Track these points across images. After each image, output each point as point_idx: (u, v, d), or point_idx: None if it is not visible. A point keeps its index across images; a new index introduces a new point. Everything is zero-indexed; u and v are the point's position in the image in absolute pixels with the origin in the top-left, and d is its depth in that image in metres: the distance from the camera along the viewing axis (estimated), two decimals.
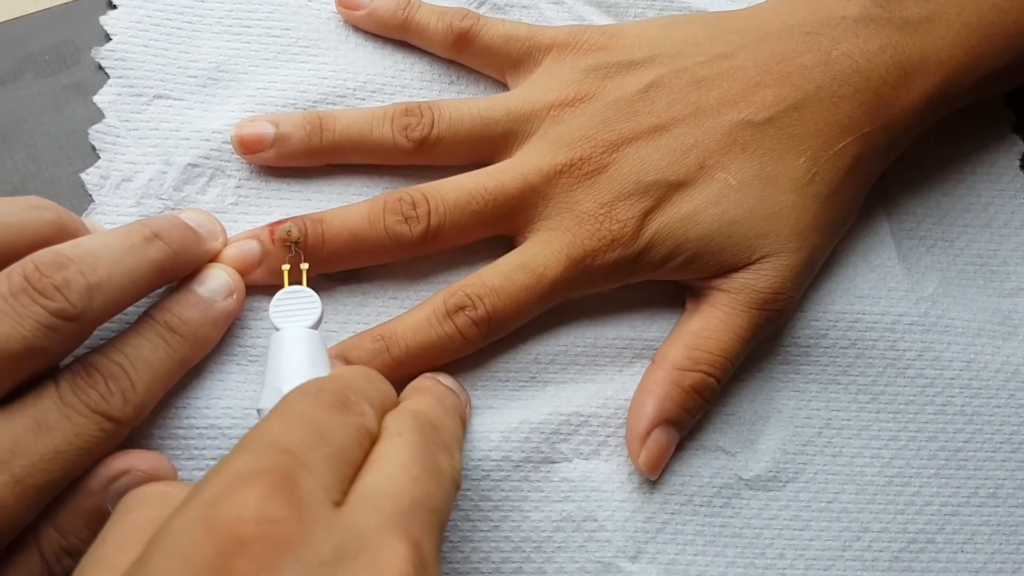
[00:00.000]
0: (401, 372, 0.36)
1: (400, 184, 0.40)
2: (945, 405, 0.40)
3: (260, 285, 0.37)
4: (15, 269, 0.29)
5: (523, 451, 0.37)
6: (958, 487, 0.39)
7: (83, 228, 0.34)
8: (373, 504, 0.24)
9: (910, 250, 0.42)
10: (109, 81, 0.40)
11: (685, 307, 0.39)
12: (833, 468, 0.39)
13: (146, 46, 0.41)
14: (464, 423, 0.35)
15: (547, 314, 0.38)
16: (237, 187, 0.39)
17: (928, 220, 0.43)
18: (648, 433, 0.36)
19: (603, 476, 0.37)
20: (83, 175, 0.38)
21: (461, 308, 0.36)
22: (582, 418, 0.38)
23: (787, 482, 0.39)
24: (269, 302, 0.35)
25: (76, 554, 0.30)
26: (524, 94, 0.39)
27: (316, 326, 0.34)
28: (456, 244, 0.38)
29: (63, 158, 0.39)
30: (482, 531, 0.36)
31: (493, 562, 0.36)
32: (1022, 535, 0.39)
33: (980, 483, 0.39)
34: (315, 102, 0.40)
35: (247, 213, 0.39)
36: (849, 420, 0.40)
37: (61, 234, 0.32)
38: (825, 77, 0.38)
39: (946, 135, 0.44)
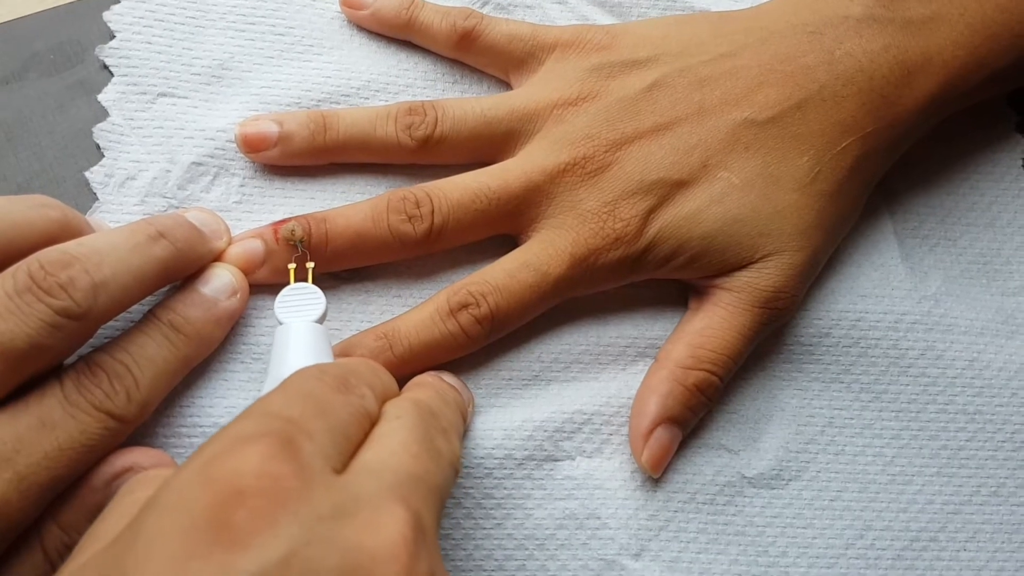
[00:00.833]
0: (404, 370, 0.36)
1: (404, 183, 0.40)
2: (947, 404, 0.40)
3: (264, 284, 0.37)
4: (20, 267, 0.29)
5: (526, 449, 0.37)
6: (960, 486, 0.39)
7: (88, 227, 0.34)
8: (373, 474, 0.25)
9: (913, 249, 0.42)
10: (113, 79, 0.40)
11: (688, 306, 0.40)
12: (836, 466, 0.39)
13: (150, 43, 0.41)
14: (465, 418, 0.35)
15: (550, 312, 0.38)
16: (241, 186, 0.39)
17: (931, 219, 0.43)
18: (651, 431, 0.37)
19: (606, 474, 0.38)
20: (87, 173, 0.38)
21: (464, 306, 0.36)
22: (585, 416, 0.38)
23: (790, 480, 0.39)
24: (273, 301, 0.35)
25: None
26: (527, 93, 0.40)
27: (320, 321, 0.35)
28: (459, 243, 0.38)
29: (68, 157, 0.39)
30: (485, 528, 0.36)
31: (496, 559, 0.36)
32: None
33: (982, 482, 0.40)
34: (319, 101, 0.40)
35: (251, 212, 0.39)
36: (852, 419, 0.40)
37: (66, 232, 0.32)
38: (828, 77, 0.38)
39: (949, 135, 0.44)
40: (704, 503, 0.38)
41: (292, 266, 0.36)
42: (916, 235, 0.43)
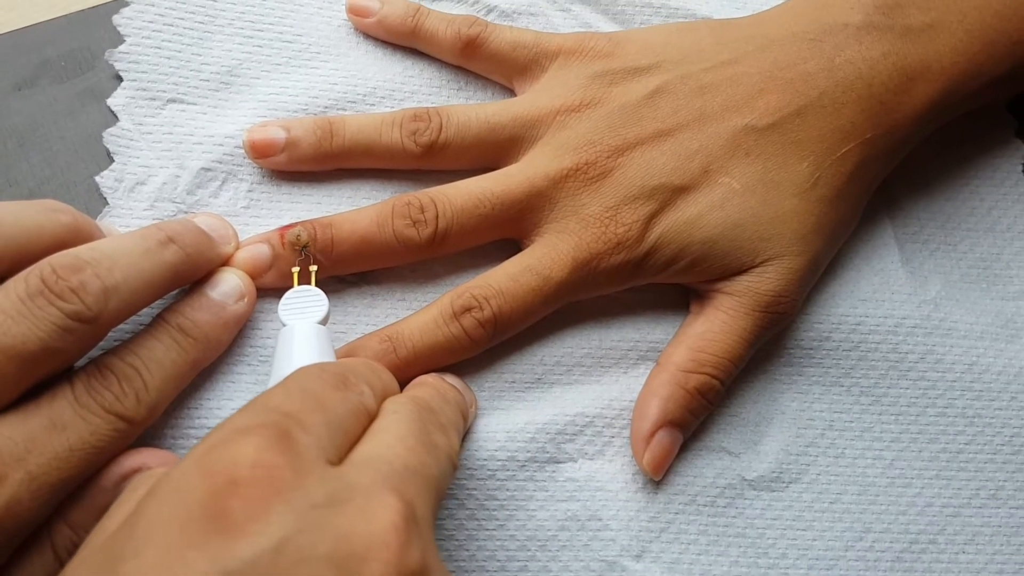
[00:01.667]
0: (408, 372, 0.36)
1: (408, 188, 0.40)
2: (947, 407, 0.40)
3: (271, 288, 0.37)
4: (32, 271, 0.29)
5: (528, 451, 0.38)
6: (959, 489, 0.40)
7: (98, 231, 0.34)
8: (368, 465, 0.25)
9: (913, 254, 0.43)
10: (123, 84, 0.41)
11: (689, 310, 0.40)
12: (836, 469, 0.39)
13: (159, 48, 0.41)
14: (466, 418, 0.35)
15: (553, 316, 0.39)
16: (249, 191, 0.39)
17: (931, 224, 0.43)
18: (652, 434, 0.37)
19: (608, 476, 0.38)
20: (98, 178, 0.39)
21: (468, 309, 0.36)
22: (587, 419, 0.38)
23: (790, 483, 0.39)
24: (278, 304, 0.36)
25: None
26: (531, 100, 0.40)
27: (323, 322, 0.35)
28: (463, 247, 0.39)
29: (78, 162, 0.40)
30: (488, 529, 0.37)
31: (499, 560, 0.37)
32: (1023, 537, 0.39)
33: (981, 485, 0.40)
34: (326, 108, 0.41)
35: (259, 217, 0.39)
36: (852, 422, 0.40)
37: (77, 237, 0.33)
38: (828, 83, 0.38)
39: (949, 140, 0.44)
40: (705, 505, 0.38)
41: (296, 269, 0.36)
42: (916, 240, 0.43)
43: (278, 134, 0.39)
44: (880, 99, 0.38)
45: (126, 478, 0.31)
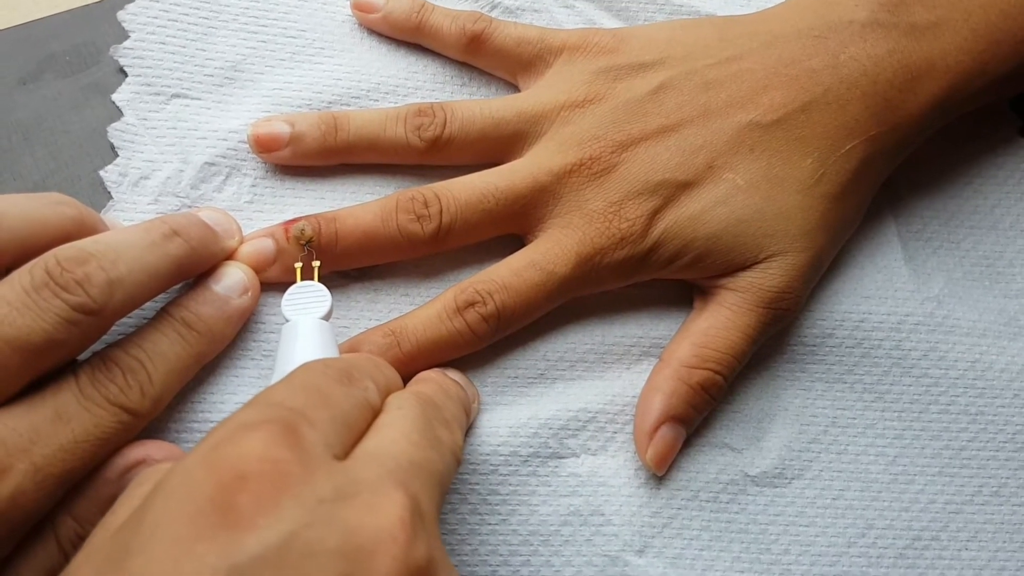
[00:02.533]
0: (411, 367, 0.36)
1: (412, 183, 0.40)
2: (950, 404, 0.40)
3: (275, 282, 0.37)
4: (37, 264, 0.29)
5: (531, 446, 0.38)
6: (962, 486, 0.40)
7: (103, 224, 0.34)
8: (374, 460, 0.25)
9: (916, 251, 0.43)
10: (127, 79, 0.41)
11: (693, 306, 0.40)
12: (838, 465, 0.39)
13: (163, 43, 0.41)
14: (468, 413, 0.35)
15: (556, 312, 0.39)
16: (253, 186, 0.39)
17: (935, 222, 0.44)
18: (656, 429, 0.37)
19: (610, 471, 0.38)
20: (102, 173, 0.39)
21: (471, 304, 0.36)
22: (590, 414, 0.38)
23: (792, 479, 0.39)
24: (282, 300, 0.36)
25: None
26: (535, 95, 0.40)
27: (326, 318, 0.35)
28: (467, 242, 0.39)
29: (83, 156, 0.40)
30: (490, 524, 0.37)
31: (501, 555, 0.37)
32: None
33: (983, 482, 0.40)
34: (330, 103, 0.41)
35: (262, 211, 0.39)
36: (854, 418, 0.40)
37: (81, 230, 0.33)
38: (833, 80, 0.38)
39: (953, 138, 0.44)
40: (707, 501, 0.38)
41: (298, 264, 0.36)
42: (920, 237, 0.43)
43: (282, 128, 0.39)
44: (885, 96, 0.38)
45: (130, 470, 0.31)
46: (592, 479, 0.38)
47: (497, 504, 0.37)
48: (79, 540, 0.30)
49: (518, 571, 0.37)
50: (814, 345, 0.40)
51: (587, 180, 0.38)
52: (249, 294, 0.36)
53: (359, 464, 0.25)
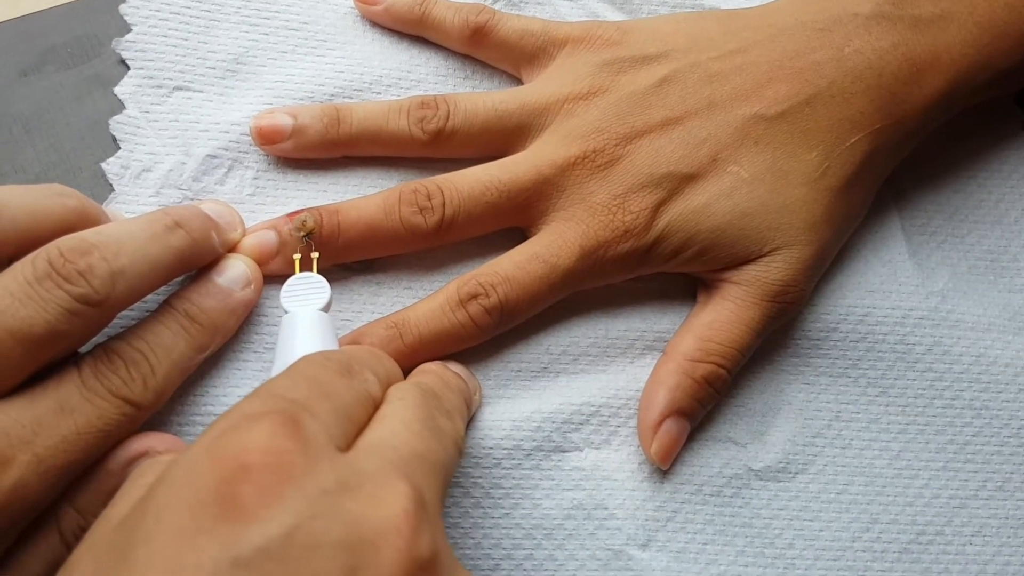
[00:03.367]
0: (414, 359, 0.36)
1: (415, 176, 0.40)
2: (954, 399, 0.40)
3: (277, 275, 0.37)
4: (40, 254, 0.29)
5: (534, 440, 0.37)
6: (966, 480, 0.40)
7: (105, 216, 0.34)
8: (376, 451, 0.25)
9: (921, 246, 0.43)
10: (129, 72, 0.40)
11: (696, 299, 0.40)
12: (842, 460, 0.39)
13: (165, 36, 0.41)
14: (469, 405, 0.35)
15: (559, 305, 0.39)
16: (255, 178, 0.39)
17: (939, 216, 0.43)
18: (660, 423, 0.37)
19: (614, 465, 0.38)
20: (104, 165, 0.39)
21: (474, 296, 0.36)
22: (593, 408, 0.38)
23: (797, 473, 0.39)
24: (280, 292, 0.36)
25: None
26: (538, 88, 0.40)
27: (326, 309, 0.35)
28: (470, 235, 0.39)
29: (84, 148, 0.40)
30: (494, 518, 0.37)
31: (504, 548, 0.37)
32: None
33: (988, 476, 0.40)
34: (332, 95, 0.41)
35: (264, 204, 0.39)
36: (859, 413, 0.40)
37: (83, 221, 0.32)
38: (837, 73, 0.38)
39: (957, 133, 0.44)
40: (711, 495, 0.38)
41: (297, 256, 0.36)
42: (924, 232, 0.43)
43: (285, 121, 0.39)
44: (889, 89, 0.38)
45: (133, 462, 0.31)
46: (596, 473, 0.38)
47: (500, 498, 0.37)
48: (81, 531, 0.30)
49: (521, 565, 0.37)
50: (818, 339, 0.40)
51: (591, 173, 0.38)
52: (252, 286, 0.36)
53: (362, 455, 0.25)
